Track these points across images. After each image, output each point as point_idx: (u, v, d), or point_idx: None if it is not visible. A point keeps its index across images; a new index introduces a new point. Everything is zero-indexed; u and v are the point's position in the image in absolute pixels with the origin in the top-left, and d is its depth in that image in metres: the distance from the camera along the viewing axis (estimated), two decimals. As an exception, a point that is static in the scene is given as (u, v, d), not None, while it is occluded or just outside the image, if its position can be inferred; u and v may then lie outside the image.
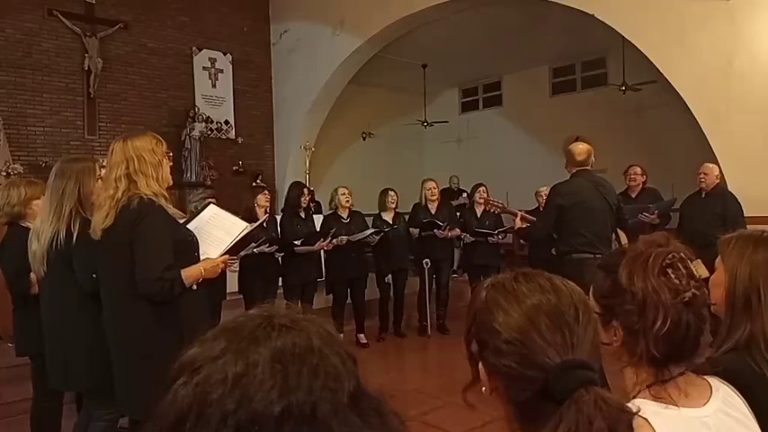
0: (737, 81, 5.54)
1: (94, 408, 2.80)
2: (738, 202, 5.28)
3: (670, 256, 1.06)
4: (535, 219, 4.66)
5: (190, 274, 2.37)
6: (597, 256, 3.97)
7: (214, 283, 3.37)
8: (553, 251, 4.44)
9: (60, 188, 2.70)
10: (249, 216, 5.15)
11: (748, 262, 1.40)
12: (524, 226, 4.59)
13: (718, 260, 1.45)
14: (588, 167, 4.18)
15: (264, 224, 5.09)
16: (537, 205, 6.66)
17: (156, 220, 2.34)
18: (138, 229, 2.30)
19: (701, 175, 5.52)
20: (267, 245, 5.13)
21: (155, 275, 2.27)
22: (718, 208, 5.28)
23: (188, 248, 2.45)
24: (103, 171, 2.71)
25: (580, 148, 4.21)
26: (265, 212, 5.48)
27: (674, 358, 1.06)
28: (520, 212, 4.65)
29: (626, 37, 6.27)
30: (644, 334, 1.05)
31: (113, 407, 2.76)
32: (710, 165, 5.53)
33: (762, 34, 5.47)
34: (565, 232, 4.09)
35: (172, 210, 2.45)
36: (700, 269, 1.07)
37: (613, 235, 4.27)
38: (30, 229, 2.88)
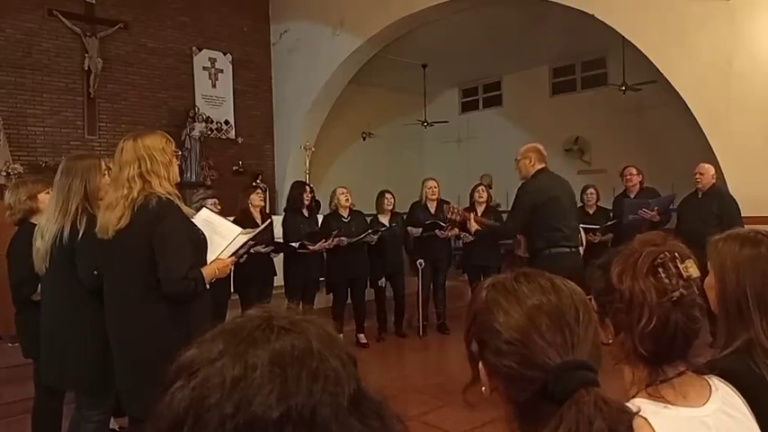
0: (737, 81, 5.53)
1: (85, 408, 2.79)
2: (735, 202, 5.29)
3: (661, 255, 1.06)
4: (487, 220, 4.75)
5: (207, 273, 2.40)
6: (573, 249, 4.01)
7: (219, 283, 3.38)
8: (520, 254, 4.34)
9: (66, 185, 2.70)
10: (245, 217, 5.15)
11: (734, 263, 1.39)
12: (479, 228, 4.57)
13: (708, 263, 1.44)
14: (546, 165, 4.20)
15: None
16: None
17: (176, 220, 2.35)
18: (159, 229, 2.30)
19: (697, 176, 5.53)
20: (263, 246, 5.13)
21: (179, 275, 2.28)
22: (714, 208, 5.29)
23: (201, 247, 2.46)
24: (108, 172, 2.71)
25: (541, 146, 4.22)
26: (260, 212, 5.48)
27: (663, 357, 1.06)
28: (472, 215, 4.68)
29: (626, 37, 6.26)
30: (630, 332, 1.06)
31: (103, 408, 2.76)
32: (706, 165, 5.53)
33: (762, 34, 5.46)
34: (539, 229, 4.01)
35: (185, 209, 2.45)
36: (691, 268, 1.07)
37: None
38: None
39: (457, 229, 6.33)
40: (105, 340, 2.52)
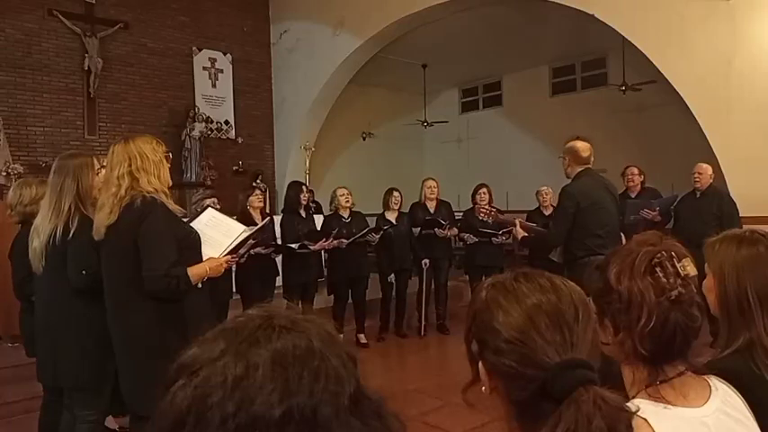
0: (737, 81, 5.54)
1: (79, 408, 2.78)
2: (733, 202, 5.29)
3: (658, 255, 1.06)
4: (534, 225, 4.43)
5: (196, 272, 2.40)
6: None
7: (219, 283, 3.39)
8: (555, 258, 3.93)
9: (59, 184, 2.71)
10: (245, 219, 5.14)
11: (733, 264, 1.39)
12: (527, 234, 4.19)
13: (706, 266, 1.43)
14: (590, 166, 3.96)
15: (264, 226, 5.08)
16: (537, 205, 6.66)
17: (159, 218, 2.36)
18: (142, 228, 2.33)
19: (695, 175, 5.53)
20: (264, 247, 5.12)
21: (160, 272, 2.29)
22: (713, 207, 5.29)
23: (191, 245, 2.46)
24: (102, 170, 2.72)
25: (583, 145, 3.98)
26: (261, 214, 5.48)
27: (663, 357, 1.06)
28: (518, 220, 4.26)
29: (626, 37, 6.27)
30: (629, 332, 1.06)
31: (98, 407, 2.76)
32: (704, 165, 5.54)
33: (762, 34, 5.47)
34: (579, 235, 3.77)
35: (173, 206, 2.47)
36: (688, 267, 1.07)
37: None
38: None
39: (456, 229, 6.34)
40: (100, 339, 2.53)
